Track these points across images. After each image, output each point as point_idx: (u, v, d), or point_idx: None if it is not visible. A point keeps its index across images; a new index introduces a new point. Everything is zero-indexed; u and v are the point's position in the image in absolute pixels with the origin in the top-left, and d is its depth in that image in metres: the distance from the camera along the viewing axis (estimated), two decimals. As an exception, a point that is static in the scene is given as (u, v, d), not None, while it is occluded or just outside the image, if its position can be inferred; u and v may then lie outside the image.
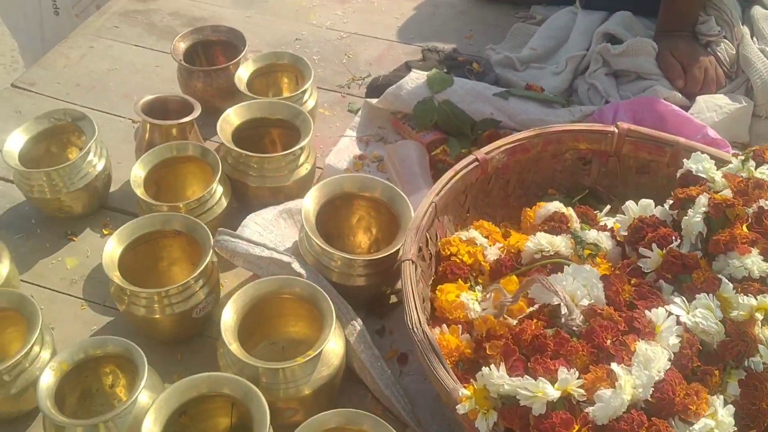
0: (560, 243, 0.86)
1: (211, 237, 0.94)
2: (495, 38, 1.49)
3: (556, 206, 0.94)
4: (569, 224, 0.91)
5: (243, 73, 1.24)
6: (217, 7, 1.59)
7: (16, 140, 1.09)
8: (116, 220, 1.13)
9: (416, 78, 1.26)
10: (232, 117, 1.12)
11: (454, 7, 1.60)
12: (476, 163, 0.96)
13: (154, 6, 1.59)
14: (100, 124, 1.27)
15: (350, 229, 1.07)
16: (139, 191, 1.02)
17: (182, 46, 1.30)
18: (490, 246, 0.93)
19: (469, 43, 1.49)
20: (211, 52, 1.34)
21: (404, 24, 1.56)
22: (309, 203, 0.97)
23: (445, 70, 1.29)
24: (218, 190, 1.05)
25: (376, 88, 1.33)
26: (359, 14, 1.59)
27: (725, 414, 0.67)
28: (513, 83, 1.31)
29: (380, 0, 1.63)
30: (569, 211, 0.94)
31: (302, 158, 1.11)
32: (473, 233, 0.94)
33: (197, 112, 1.14)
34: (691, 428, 0.65)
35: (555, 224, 0.91)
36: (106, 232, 1.12)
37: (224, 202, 1.06)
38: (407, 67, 1.41)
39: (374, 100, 1.29)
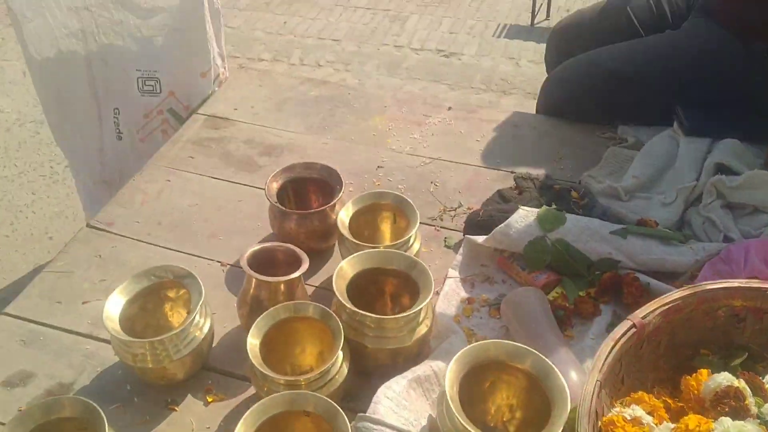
0: (751, 431, 0.77)
1: (347, 423, 0.85)
2: (584, 161, 1.44)
3: (726, 378, 0.86)
4: (746, 401, 0.83)
5: (344, 216, 1.17)
6: (293, 134, 1.54)
7: (116, 303, 1.01)
8: (220, 385, 1.04)
9: (525, 216, 1.20)
10: (346, 270, 1.05)
11: (535, 128, 1.56)
12: (633, 330, 0.88)
13: (227, 133, 1.54)
14: (187, 269, 1.20)
15: (481, 395, 0.97)
16: (257, 362, 0.94)
17: (275, 186, 1.24)
18: (656, 425, 0.85)
19: (559, 168, 1.44)
20: (301, 188, 1.28)
21: (486, 147, 1.51)
22: (451, 379, 0.88)
23: (554, 206, 1.22)
24: (339, 356, 0.97)
25: (476, 224, 1.26)
26: (438, 137, 1.54)
27: None
28: (622, 216, 1.25)
29: (456, 122, 1.58)
30: (741, 384, 0.85)
31: (422, 315, 1.03)
32: (637, 411, 0.85)
33: (306, 265, 1.07)
34: None
35: (732, 403, 0.82)
36: (210, 400, 1.02)
37: (345, 370, 0.97)
38: (501, 197, 1.35)
39: (479, 238, 1.22)
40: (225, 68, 1.70)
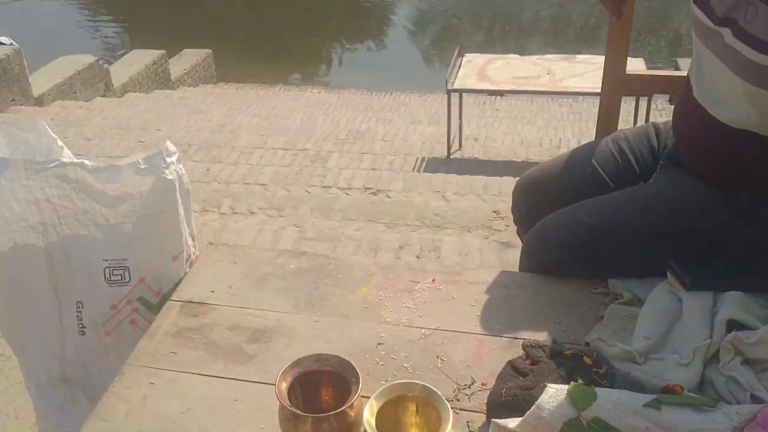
0: None
1: None
2: (583, 319, 1.42)
3: None
4: None
5: (369, 416, 1.08)
6: (280, 314, 1.46)
7: None
8: None
9: (555, 395, 1.15)
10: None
11: (525, 287, 1.54)
12: None
13: (209, 320, 1.44)
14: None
15: None
16: None
17: (285, 386, 1.14)
18: None
19: (561, 329, 1.41)
20: (310, 381, 1.18)
21: (483, 312, 1.47)
22: None
23: (580, 381, 1.18)
24: None
25: (501, 406, 1.20)
26: (431, 305, 1.49)
27: None
28: (643, 382, 1.22)
29: (447, 287, 1.54)
30: None
31: None
32: None
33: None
34: None
35: None
36: None
37: None
38: (514, 369, 1.30)
39: (509, 422, 1.15)
40: (195, 247, 1.61)
